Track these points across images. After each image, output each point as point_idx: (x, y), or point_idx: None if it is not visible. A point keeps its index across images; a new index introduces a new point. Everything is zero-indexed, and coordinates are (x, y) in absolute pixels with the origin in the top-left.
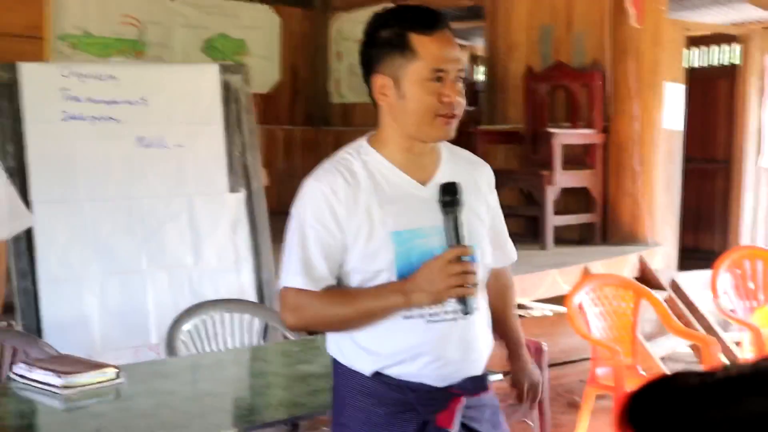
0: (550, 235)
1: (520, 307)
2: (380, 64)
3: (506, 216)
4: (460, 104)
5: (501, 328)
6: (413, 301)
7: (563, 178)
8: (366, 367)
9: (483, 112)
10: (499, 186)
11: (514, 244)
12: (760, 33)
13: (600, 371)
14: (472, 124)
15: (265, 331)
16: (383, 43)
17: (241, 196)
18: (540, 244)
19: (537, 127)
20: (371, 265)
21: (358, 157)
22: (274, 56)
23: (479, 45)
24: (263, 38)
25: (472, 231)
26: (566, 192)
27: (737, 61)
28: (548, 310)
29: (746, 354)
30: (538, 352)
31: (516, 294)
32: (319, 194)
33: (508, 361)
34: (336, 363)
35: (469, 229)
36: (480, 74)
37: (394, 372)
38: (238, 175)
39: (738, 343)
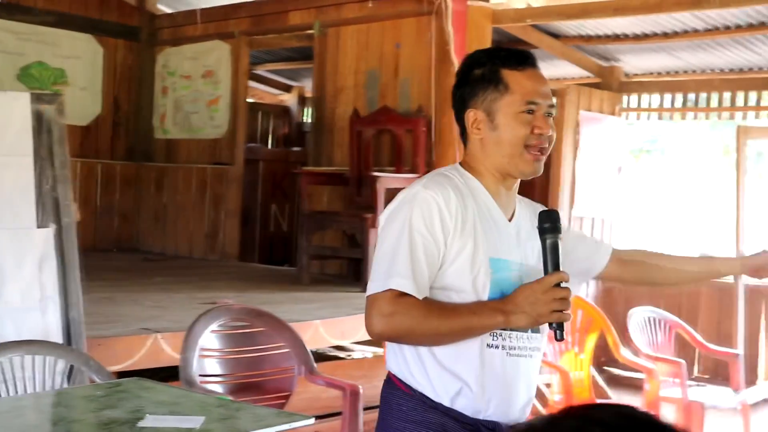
0: None
1: (340, 348)
2: (474, 99)
3: (327, 257)
4: (551, 138)
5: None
6: (512, 323)
7: None
8: (444, 394)
9: (309, 153)
10: (322, 227)
11: (334, 286)
12: (576, 89)
13: None
14: (297, 165)
15: (71, 374)
16: (477, 80)
17: (49, 231)
18: (362, 286)
19: (362, 170)
20: (466, 285)
21: (461, 178)
22: (96, 88)
23: (307, 86)
24: (84, 69)
25: None
26: None
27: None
28: (369, 352)
29: (555, 396)
30: (353, 394)
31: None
32: (432, 203)
33: (748, 267)
34: (396, 386)
35: None
36: (307, 115)
37: (468, 406)
38: (48, 209)
39: (548, 385)
